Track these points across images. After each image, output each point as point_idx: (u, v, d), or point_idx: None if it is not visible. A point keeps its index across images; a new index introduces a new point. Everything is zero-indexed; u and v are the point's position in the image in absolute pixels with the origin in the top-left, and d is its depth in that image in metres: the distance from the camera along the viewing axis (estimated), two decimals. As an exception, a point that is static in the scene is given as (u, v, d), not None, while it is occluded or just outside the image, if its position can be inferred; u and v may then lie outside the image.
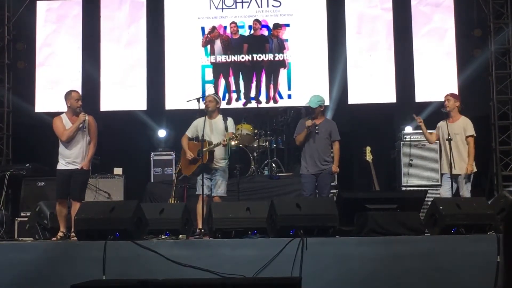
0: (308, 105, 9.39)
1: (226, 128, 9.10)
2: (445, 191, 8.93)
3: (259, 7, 12.92)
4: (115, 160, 11.82)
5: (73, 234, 7.79)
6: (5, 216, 10.27)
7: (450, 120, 9.04)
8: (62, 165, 8.64)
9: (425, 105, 11.94)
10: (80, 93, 9.21)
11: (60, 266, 6.73)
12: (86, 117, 8.65)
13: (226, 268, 6.43)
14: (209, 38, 12.86)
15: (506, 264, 2.37)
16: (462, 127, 8.95)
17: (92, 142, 8.74)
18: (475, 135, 9.01)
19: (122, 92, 12.88)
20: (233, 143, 9.06)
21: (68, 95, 8.80)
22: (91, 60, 12.92)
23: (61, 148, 8.67)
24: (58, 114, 9.00)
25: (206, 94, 10.22)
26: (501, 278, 2.38)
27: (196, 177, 9.16)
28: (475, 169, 8.96)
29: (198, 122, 9.22)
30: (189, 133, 9.32)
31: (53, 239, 8.31)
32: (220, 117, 9.20)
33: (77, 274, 6.30)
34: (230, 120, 9.22)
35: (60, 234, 8.30)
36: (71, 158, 8.60)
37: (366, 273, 6.54)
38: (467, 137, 8.94)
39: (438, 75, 12.45)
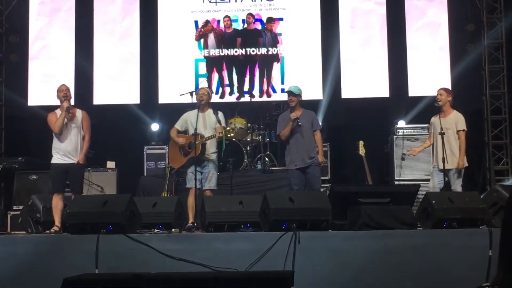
0: (289, 90, 9.23)
1: (219, 121, 9.06)
2: (436, 184, 8.94)
3: (252, 1, 12.90)
4: (108, 154, 11.80)
5: None
6: (-2, 209, 10.27)
7: (442, 115, 9.04)
8: (57, 159, 8.67)
9: (418, 99, 11.99)
10: (71, 86, 9.22)
11: (52, 259, 6.73)
12: (69, 104, 8.69)
13: (219, 262, 6.43)
14: (203, 32, 12.84)
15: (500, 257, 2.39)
16: (453, 122, 8.97)
17: (86, 136, 8.80)
18: (466, 129, 9.00)
19: (115, 85, 12.85)
20: (229, 135, 9.01)
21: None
22: (84, 53, 12.89)
23: (55, 141, 8.72)
24: (50, 107, 9.03)
25: (199, 88, 10.20)
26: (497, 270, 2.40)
27: (186, 170, 9.10)
28: (466, 164, 8.96)
29: (189, 115, 9.16)
30: (178, 126, 9.21)
31: (46, 232, 8.30)
32: (211, 110, 9.14)
33: (69, 268, 6.30)
34: (221, 114, 9.18)
35: (55, 228, 8.29)
36: (66, 151, 8.62)
37: (358, 267, 6.56)
38: (458, 131, 8.95)
39: (431, 70, 12.47)
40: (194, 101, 9.33)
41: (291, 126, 9.08)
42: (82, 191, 8.89)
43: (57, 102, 8.87)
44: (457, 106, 9.33)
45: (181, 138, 9.08)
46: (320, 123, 9.89)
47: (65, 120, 8.64)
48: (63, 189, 8.66)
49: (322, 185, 9.91)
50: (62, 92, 8.72)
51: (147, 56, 12.94)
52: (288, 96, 9.23)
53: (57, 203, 8.51)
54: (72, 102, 9.17)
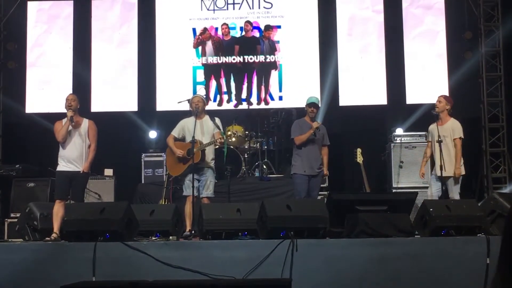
0: (314, 102, 9.41)
1: (218, 127, 9.06)
2: (434, 192, 8.93)
3: (250, 8, 12.92)
4: (105, 161, 11.75)
5: None
6: (-5, 217, 10.26)
7: (440, 123, 9.04)
8: (62, 166, 8.72)
9: (416, 107, 11.99)
10: (69, 93, 9.25)
11: (49, 267, 6.72)
12: (73, 113, 8.72)
13: (216, 270, 6.43)
14: (201, 39, 12.86)
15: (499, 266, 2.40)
16: (450, 129, 8.97)
17: (92, 145, 8.84)
18: (463, 137, 9.00)
19: (113, 93, 12.86)
20: (230, 140, 9.03)
21: None
22: (82, 60, 12.89)
23: (60, 149, 8.79)
24: (48, 114, 9.05)
25: (193, 96, 10.21)
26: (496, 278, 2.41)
27: (183, 178, 9.09)
28: (463, 172, 8.95)
29: (186, 122, 9.14)
30: (175, 133, 9.18)
31: (46, 239, 8.27)
32: (207, 117, 9.14)
33: (67, 275, 6.30)
34: (218, 120, 9.19)
35: (53, 235, 8.27)
36: (70, 158, 8.64)
37: (356, 275, 6.55)
38: (454, 139, 8.95)
39: (429, 77, 12.49)
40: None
41: (310, 135, 9.25)
42: (83, 201, 8.90)
43: (55, 110, 8.92)
44: (455, 113, 9.33)
45: (179, 150, 9.02)
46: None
47: (69, 128, 8.68)
48: (66, 196, 8.67)
49: (320, 192, 9.92)
50: (67, 102, 8.80)
51: (145, 63, 12.95)
52: (310, 107, 9.38)
53: (58, 210, 8.49)
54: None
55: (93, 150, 8.83)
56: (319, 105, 9.57)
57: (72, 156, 8.68)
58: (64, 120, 8.79)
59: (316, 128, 9.24)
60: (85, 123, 8.89)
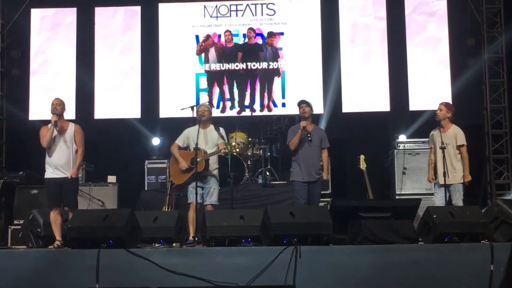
0: (304, 100, 9.23)
1: (222, 137, 9.03)
2: (438, 200, 8.91)
3: (253, 15, 12.94)
4: (109, 168, 11.80)
5: None
6: (-2, 224, 10.25)
7: (442, 130, 9.01)
8: (49, 173, 8.59)
9: (418, 113, 11.99)
10: (72, 100, 9.21)
11: (53, 274, 6.70)
12: (57, 118, 8.56)
13: (220, 277, 6.42)
14: (204, 46, 12.88)
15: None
16: (453, 137, 8.94)
17: (79, 150, 8.66)
18: (466, 144, 8.97)
19: (116, 99, 12.88)
20: (234, 151, 9.02)
21: None
22: (85, 67, 12.92)
23: (46, 155, 8.65)
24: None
25: (200, 102, 10.19)
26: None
27: (187, 185, 9.06)
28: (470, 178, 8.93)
29: (190, 131, 9.11)
30: (180, 141, 9.14)
31: (49, 247, 8.25)
32: (212, 126, 9.10)
33: (70, 282, 6.31)
34: (222, 130, 9.16)
35: (57, 243, 8.24)
36: (57, 165, 8.53)
37: (359, 282, 6.54)
38: (458, 146, 8.92)
39: (431, 84, 12.49)
40: (195, 115, 9.31)
41: (300, 135, 9.06)
42: (77, 205, 8.72)
43: (58, 116, 8.82)
44: (458, 120, 9.30)
45: (184, 162, 8.99)
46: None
47: (54, 134, 8.56)
48: (59, 203, 8.57)
49: (323, 199, 9.91)
50: (52, 106, 8.61)
51: (148, 70, 12.98)
52: (301, 105, 9.21)
53: (55, 218, 8.46)
54: (73, 116, 9.15)
55: (80, 154, 8.66)
56: (310, 105, 9.32)
57: (59, 163, 8.54)
58: (50, 125, 8.70)
59: (304, 127, 9.02)
60: (71, 127, 8.70)
